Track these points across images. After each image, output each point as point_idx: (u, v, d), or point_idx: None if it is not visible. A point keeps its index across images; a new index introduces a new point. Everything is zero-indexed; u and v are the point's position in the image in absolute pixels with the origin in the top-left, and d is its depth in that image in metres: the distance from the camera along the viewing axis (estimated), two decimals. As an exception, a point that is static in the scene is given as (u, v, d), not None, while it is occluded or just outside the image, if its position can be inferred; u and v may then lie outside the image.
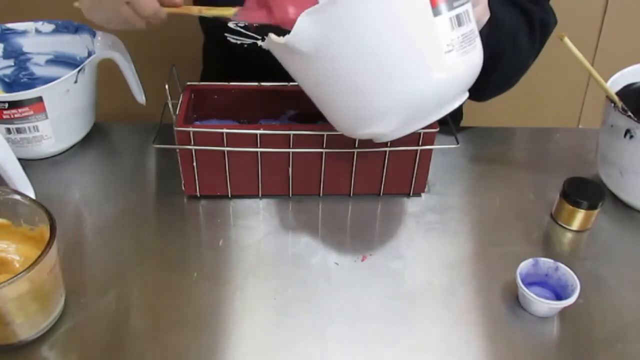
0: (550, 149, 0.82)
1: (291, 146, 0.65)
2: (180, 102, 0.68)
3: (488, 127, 0.84)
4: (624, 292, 0.61)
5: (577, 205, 0.65)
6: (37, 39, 0.80)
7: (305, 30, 0.52)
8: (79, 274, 0.60)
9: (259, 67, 0.69)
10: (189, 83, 0.70)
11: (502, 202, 0.71)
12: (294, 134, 0.64)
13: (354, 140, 0.65)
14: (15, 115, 0.69)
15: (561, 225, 0.68)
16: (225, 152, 0.65)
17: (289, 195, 0.70)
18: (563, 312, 0.58)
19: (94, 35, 0.76)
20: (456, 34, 0.52)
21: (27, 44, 0.80)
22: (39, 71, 0.82)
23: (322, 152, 0.66)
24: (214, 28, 0.64)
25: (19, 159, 0.63)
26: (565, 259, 0.60)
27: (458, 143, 0.67)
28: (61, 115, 0.72)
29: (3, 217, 0.57)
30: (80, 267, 0.62)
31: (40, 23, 0.79)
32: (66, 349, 0.54)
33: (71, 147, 0.78)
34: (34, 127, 0.71)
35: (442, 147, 0.73)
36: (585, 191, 0.66)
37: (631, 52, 1.05)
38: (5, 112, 0.68)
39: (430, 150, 0.67)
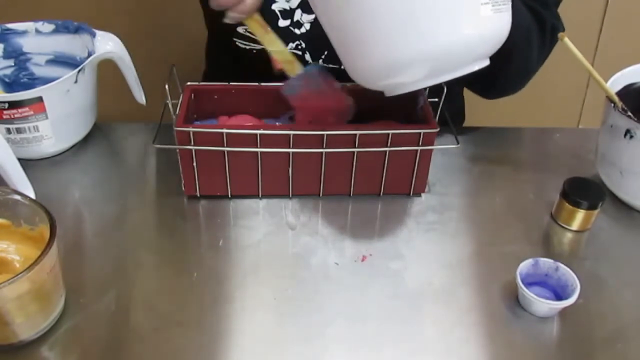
0: (550, 149, 0.82)
1: (291, 146, 0.65)
2: (180, 102, 0.68)
3: (488, 127, 0.84)
4: (624, 292, 0.61)
5: (577, 205, 0.65)
6: (37, 39, 0.80)
7: None
8: (79, 274, 0.60)
9: (265, 73, 0.69)
10: (189, 83, 0.70)
11: (502, 202, 0.71)
12: (294, 134, 0.64)
13: (354, 140, 0.65)
14: (15, 115, 0.69)
15: (561, 225, 0.68)
16: (225, 152, 0.65)
17: (289, 195, 0.70)
18: (563, 312, 0.58)
19: (94, 35, 0.76)
20: None
21: (27, 44, 0.80)
22: (39, 71, 0.82)
23: (322, 152, 0.66)
24: (223, 31, 0.64)
25: (19, 159, 0.63)
26: (565, 259, 0.60)
27: (458, 143, 0.67)
28: (61, 115, 0.72)
29: (3, 217, 0.57)
30: (80, 267, 0.62)
31: (40, 23, 0.79)
32: (66, 349, 0.54)
33: (71, 147, 0.78)
34: (34, 127, 0.71)
35: (442, 147, 0.74)
36: (585, 191, 0.66)
37: (631, 52, 1.05)
38: (5, 112, 0.68)
39: (431, 150, 0.67)
